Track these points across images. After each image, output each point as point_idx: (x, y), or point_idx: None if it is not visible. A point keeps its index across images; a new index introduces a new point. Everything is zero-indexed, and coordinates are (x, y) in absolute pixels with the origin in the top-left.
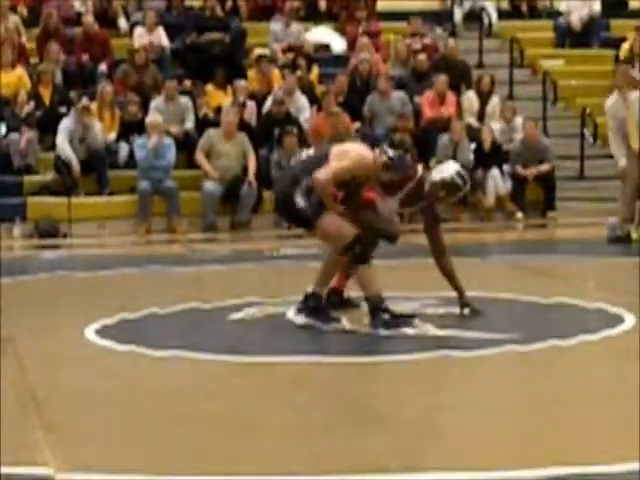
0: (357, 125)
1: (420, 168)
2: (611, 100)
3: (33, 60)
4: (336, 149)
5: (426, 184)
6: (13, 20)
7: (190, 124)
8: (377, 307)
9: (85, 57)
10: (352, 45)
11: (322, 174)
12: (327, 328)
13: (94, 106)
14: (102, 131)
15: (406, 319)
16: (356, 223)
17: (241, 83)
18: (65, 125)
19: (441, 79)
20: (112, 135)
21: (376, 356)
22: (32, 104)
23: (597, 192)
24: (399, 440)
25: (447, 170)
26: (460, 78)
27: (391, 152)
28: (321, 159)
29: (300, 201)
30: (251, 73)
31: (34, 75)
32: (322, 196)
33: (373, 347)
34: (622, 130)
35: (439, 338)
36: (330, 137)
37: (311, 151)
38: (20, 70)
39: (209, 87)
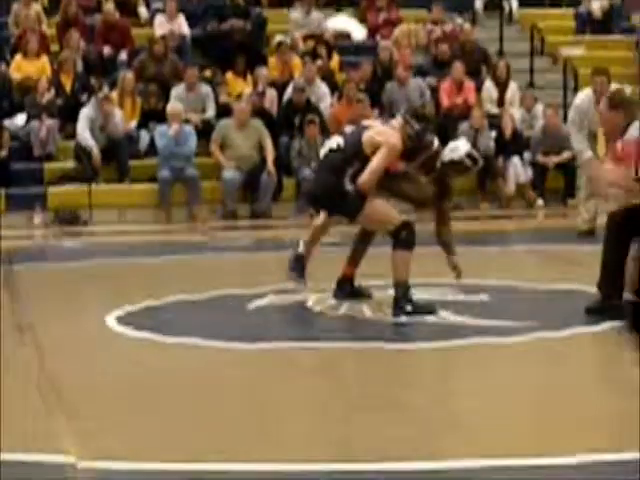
0: (376, 113)
1: (437, 141)
2: (585, 97)
3: (53, 48)
4: (368, 138)
5: (440, 158)
6: (35, 8)
7: (211, 112)
8: (404, 296)
9: (105, 46)
10: (373, 33)
11: (365, 180)
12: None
13: (115, 95)
14: (123, 119)
15: (427, 312)
16: (395, 195)
17: (262, 71)
18: (86, 113)
19: (458, 67)
20: (133, 123)
21: (397, 343)
22: (53, 92)
23: None
24: (419, 428)
25: (457, 150)
26: (479, 65)
27: (416, 125)
28: (355, 147)
29: (350, 188)
30: (272, 61)
31: (55, 63)
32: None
33: (394, 334)
34: (590, 128)
35: (460, 326)
36: (350, 124)
37: (340, 140)
38: (44, 60)
39: (229, 75)
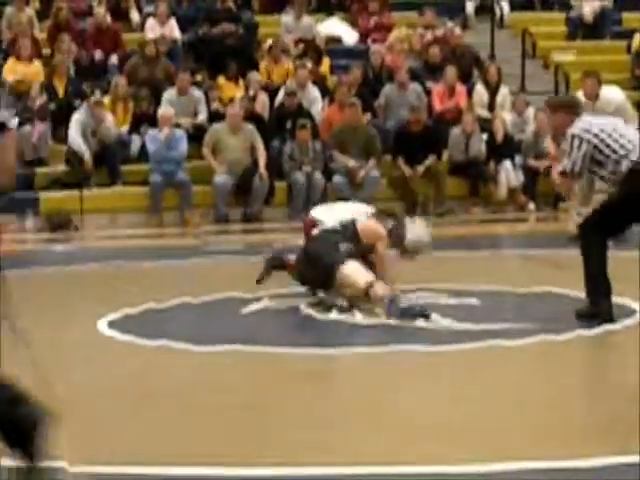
0: (368, 117)
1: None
2: None
3: (45, 53)
4: (364, 229)
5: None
6: (27, 13)
7: (202, 117)
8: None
9: (97, 50)
10: (364, 37)
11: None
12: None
13: (107, 99)
14: (114, 124)
15: (420, 316)
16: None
17: (253, 75)
18: (77, 118)
19: (450, 71)
20: (124, 128)
21: (389, 347)
22: (45, 96)
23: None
24: (410, 432)
25: (410, 234)
26: (470, 69)
27: (390, 223)
28: (348, 230)
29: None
30: (263, 65)
31: (47, 68)
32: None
33: (386, 339)
34: None
35: (450, 330)
36: (342, 128)
37: (330, 223)
38: (36, 64)
39: (221, 80)
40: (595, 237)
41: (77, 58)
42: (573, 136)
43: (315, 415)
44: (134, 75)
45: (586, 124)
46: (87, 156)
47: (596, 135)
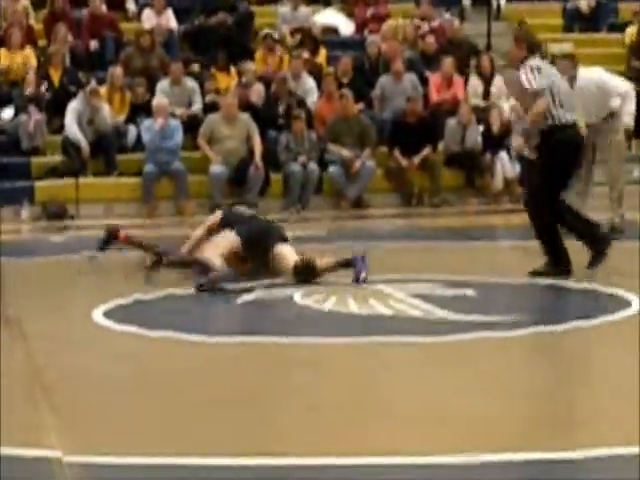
0: (361, 106)
1: None
2: None
3: (41, 42)
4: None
5: None
6: (22, 2)
7: (197, 106)
8: None
9: (93, 39)
10: (360, 28)
11: None
12: None
13: (103, 89)
14: (110, 114)
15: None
16: None
17: (247, 65)
18: (73, 107)
19: (447, 62)
20: (121, 117)
21: (383, 337)
22: (39, 84)
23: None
24: (403, 424)
25: None
26: (467, 60)
27: None
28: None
29: None
30: (258, 55)
31: (43, 57)
32: None
33: (380, 329)
34: None
35: (445, 321)
36: (336, 119)
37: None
38: (28, 51)
39: (214, 70)
40: (542, 217)
41: (73, 48)
42: (537, 67)
43: (308, 405)
44: (130, 65)
45: (549, 67)
46: (84, 145)
47: (553, 82)
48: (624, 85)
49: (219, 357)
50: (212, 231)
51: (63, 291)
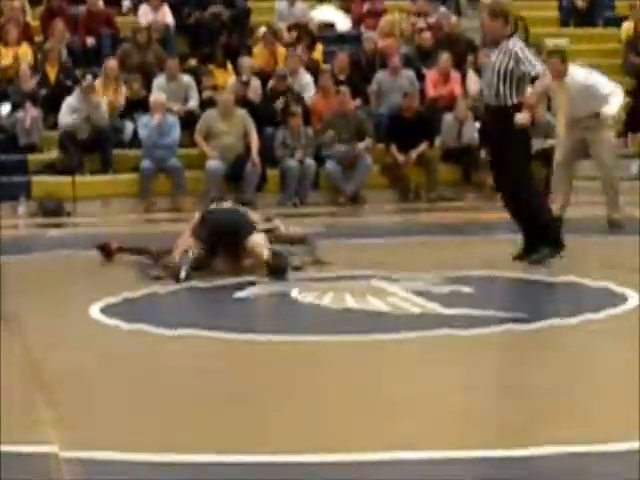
0: (357, 102)
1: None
2: None
3: (38, 38)
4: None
5: None
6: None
7: (194, 102)
8: None
9: (89, 35)
10: (357, 23)
11: None
12: None
13: (98, 83)
14: (107, 109)
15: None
16: None
17: (244, 60)
18: (70, 102)
19: (444, 57)
20: (117, 111)
21: (381, 334)
22: (36, 81)
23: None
24: (404, 420)
25: None
26: (464, 56)
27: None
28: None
29: None
30: (256, 51)
31: (40, 53)
32: None
33: (378, 325)
34: None
35: (442, 316)
36: (332, 115)
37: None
38: (24, 47)
39: (211, 66)
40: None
41: (69, 44)
42: (523, 47)
43: (308, 402)
44: (126, 61)
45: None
46: (80, 136)
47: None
48: (610, 84)
49: (216, 354)
50: (195, 232)
51: (60, 287)
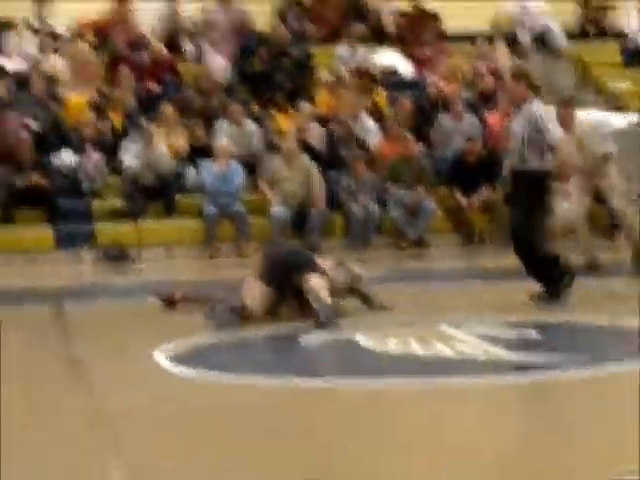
0: (420, 147)
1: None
2: None
3: (102, 85)
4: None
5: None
6: (82, 46)
7: (257, 148)
8: None
9: (153, 82)
10: (419, 68)
11: None
12: None
13: (160, 129)
14: (169, 155)
15: None
16: None
17: (305, 106)
18: (130, 148)
19: (506, 101)
20: (179, 158)
21: (447, 378)
22: (100, 128)
23: None
24: (470, 466)
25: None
26: None
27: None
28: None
29: None
30: (319, 96)
31: (104, 99)
32: None
33: (444, 370)
34: None
35: (509, 361)
36: (395, 160)
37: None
38: (88, 93)
39: (276, 111)
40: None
41: (134, 90)
42: (546, 112)
43: (374, 447)
44: (188, 106)
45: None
46: (143, 182)
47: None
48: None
49: (282, 400)
50: (258, 272)
51: (124, 334)
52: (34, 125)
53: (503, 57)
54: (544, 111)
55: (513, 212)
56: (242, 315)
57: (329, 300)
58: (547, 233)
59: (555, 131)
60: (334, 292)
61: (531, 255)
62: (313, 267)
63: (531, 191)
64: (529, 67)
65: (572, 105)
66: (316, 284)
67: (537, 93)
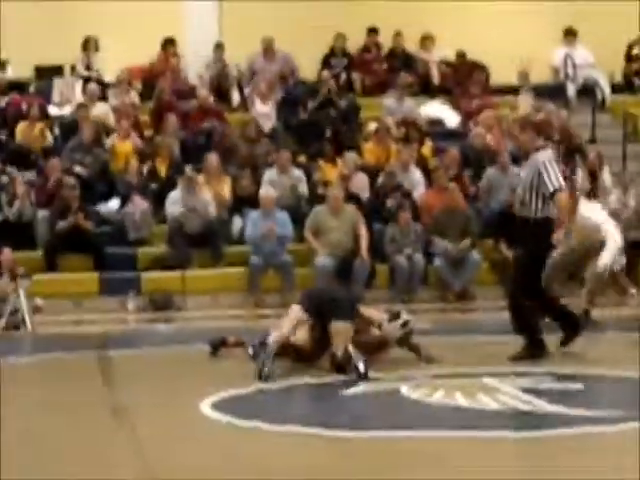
0: (467, 199)
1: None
2: None
3: (148, 133)
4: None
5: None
6: (130, 96)
7: (304, 197)
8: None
9: (200, 130)
10: (466, 120)
11: None
12: None
13: (202, 177)
14: (214, 203)
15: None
16: None
17: (352, 156)
18: (173, 196)
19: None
20: (225, 207)
21: (493, 431)
22: (145, 175)
23: None
24: None
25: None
26: (574, 152)
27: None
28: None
29: None
30: (366, 146)
31: (149, 147)
32: None
33: (488, 423)
34: None
35: (554, 415)
36: (441, 211)
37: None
38: (134, 141)
39: (322, 161)
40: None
41: (181, 138)
42: (550, 161)
43: None
44: (234, 155)
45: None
46: (187, 230)
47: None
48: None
49: (325, 451)
50: (300, 322)
51: (170, 382)
52: (82, 171)
53: (525, 108)
54: (550, 161)
55: (515, 260)
56: (283, 348)
57: (348, 349)
58: (547, 279)
59: (555, 182)
60: (384, 344)
61: (527, 310)
62: (348, 313)
63: (531, 237)
64: (573, 119)
65: (600, 160)
66: (341, 330)
67: (562, 143)
